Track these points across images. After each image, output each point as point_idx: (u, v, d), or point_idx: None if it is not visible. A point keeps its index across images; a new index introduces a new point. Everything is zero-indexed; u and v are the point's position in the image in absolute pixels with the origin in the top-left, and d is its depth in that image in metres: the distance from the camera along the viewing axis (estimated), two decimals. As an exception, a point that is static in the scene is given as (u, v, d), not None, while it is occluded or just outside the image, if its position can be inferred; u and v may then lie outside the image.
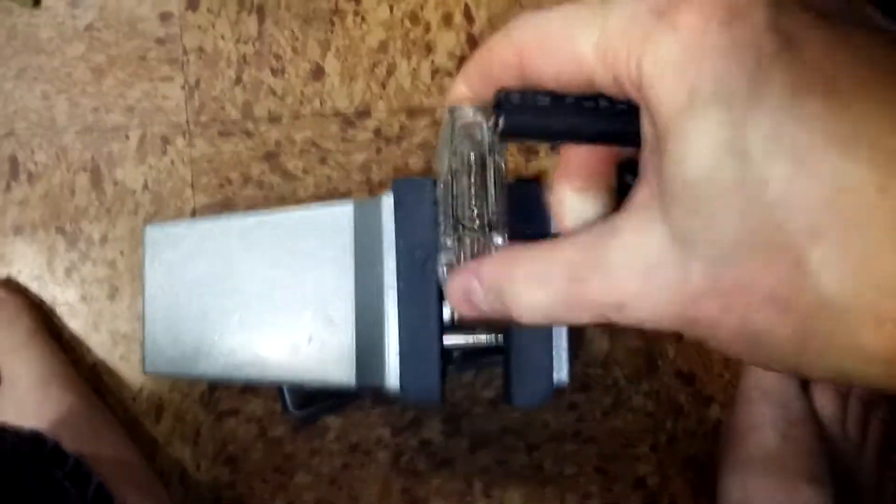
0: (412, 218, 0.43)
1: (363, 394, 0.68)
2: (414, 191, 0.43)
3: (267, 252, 0.46)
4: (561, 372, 0.42)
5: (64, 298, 0.69)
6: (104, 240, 0.69)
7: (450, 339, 0.45)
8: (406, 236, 0.43)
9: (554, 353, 0.42)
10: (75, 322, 0.68)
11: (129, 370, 0.69)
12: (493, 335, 0.46)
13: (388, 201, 0.43)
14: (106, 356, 0.69)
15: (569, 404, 0.70)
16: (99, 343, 0.69)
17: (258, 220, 0.47)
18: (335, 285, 0.46)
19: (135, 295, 0.69)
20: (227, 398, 0.68)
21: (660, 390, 0.70)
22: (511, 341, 0.44)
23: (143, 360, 0.48)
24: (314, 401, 0.66)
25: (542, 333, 0.42)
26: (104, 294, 0.69)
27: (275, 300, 0.46)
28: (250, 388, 0.69)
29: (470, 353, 0.58)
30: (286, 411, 0.65)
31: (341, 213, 0.45)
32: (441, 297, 0.43)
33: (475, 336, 0.46)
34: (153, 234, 0.48)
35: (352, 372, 0.45)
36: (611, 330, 0.70)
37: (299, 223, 0.46)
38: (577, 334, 0.70)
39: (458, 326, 0.47)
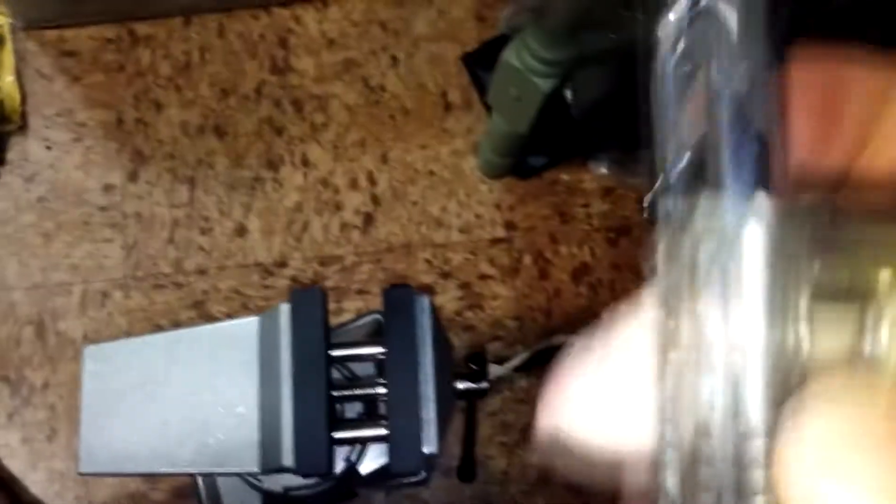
0: (306, 320, 0.52)
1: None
2: (307, 297, 0.52)
3: (186, 361, 0.55)
4: (430, 444, 0.50)
5: (5, 441, 0.74)
6: (46, 386, 0.76)
7: (339, 433, 0.53)
8: (301, 335, 0.52)
9: (423, 428, 0.50)
10: (14, 462, 0.74)
11: (63, 506, 0.74)
12: (377, 426, 0.54)
13: (284, 309, 0.53)
14: (42, 494, 0.74)
15: (477, 521, 0.76)
16: (36, 481, 0.74)
17: (179, 335, 0.56)
18: (243, 386, 0.54)
19: (71, 436, 0.75)
20: (156, 529, 0.73)
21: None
22: (389, 425, 0.52)
23: (77, 461, 0.54)
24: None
25: (411, 410, 0.51)
26: (43, 436, 0.75)
27: (192, 402, 0.54)
28: (178, 519, 0.74)
29: (380, 473, 0.66)
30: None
31: (248, 325, 0.54)
32: (332, 386, 0.52)
33: (361, 430, 0.54)
34: (90, 351, 0.56)
35: (256, 459, 0.53)
36: (508, 450, 0.78)
37: (213, 335, 0.55)
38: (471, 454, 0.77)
39: (346, 421, 0.55)
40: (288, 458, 0.50)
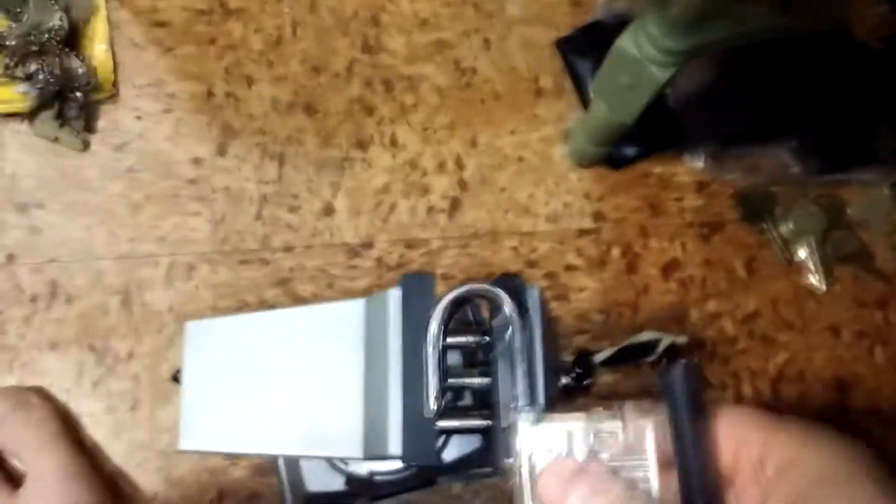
0: (416, 307, 0.51)
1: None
2: (418, 283, 0.51)
3: (289, 341, 0.54)
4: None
5: (89, 409, 0.75)
6: (130, 356, 0.76)
7: (443, 423, 0.52)
8: (410, 322, 0.51)
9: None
10: (98, 431, 0.74)
11: (144, 477, 0.74)
12: (481, 416, 0.53)
13: (395, 294, 0.51)
14: (124, 464, 0.74)
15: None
16: (119, 451, 0.74)
17: (281, 315, 0.55)
18: (348, 370, 0.53)
19: (154, 407, 0.75)
20: (234, 505, 0.73)
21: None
22: (494, 418, 0.51)
23: (179, 439, 0.54)
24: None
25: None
26: (126, 406, 0.75)
27: (295, 384, 0.53)
28: (256, 496, 0.74)
29: (460, 463, 0.65)
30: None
31: (354, 307, 0.53)
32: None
33: (466, 420, 0.53)
34: (192, 328, 0.55)
35: (360, 446, 0.52)
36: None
37: (318, 316, 0.54)
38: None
39: (450, 409, 0.54)
40: (395, 447, 0.49)
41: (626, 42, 0.60)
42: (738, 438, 0.43)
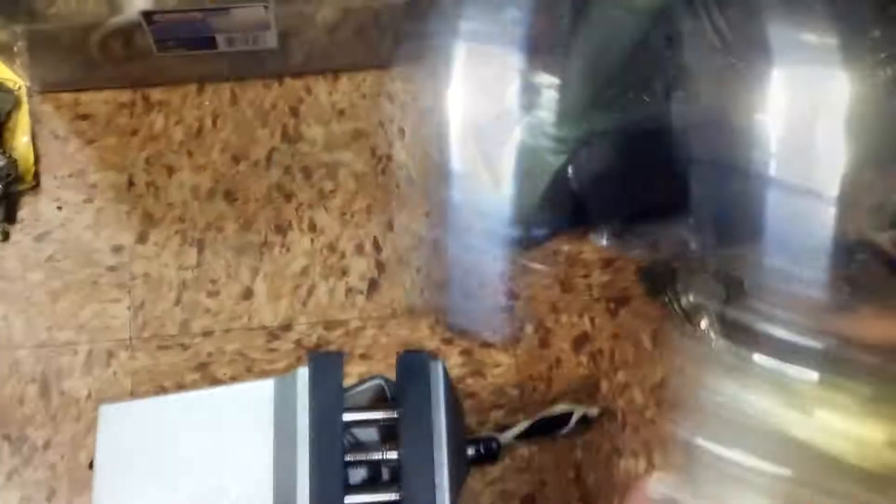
0: (324, 385, 0.53)
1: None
2: (326, 362, 0.53)
3: (201, 423, 0.55)
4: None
5: (4, 501, 0.74)
6: (47, 445, 0.75)
7: (351, 498, 0.54)
8: (318, 401, 0.52)
9: (437, 494, 0.51)
10: (12, 523, 0.73)
11: (60, 569, 0.73)
12: (391, 492, 0.54)
13: (303, 373, 0.53)
14: (39, 556, 0.73)
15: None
16: (33, 543, 0.73)
17: (194, 397, 0.56)
18: (258, 449, 0.54)
19: (71, 496, 0.75)
20: None
21: (556, 570, 0.76)
22: (403, 491, 0.53)
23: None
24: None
25: (426, 476, 0.51)
26: (42, 496, 0.74)
27: (207, 464, 0.54)
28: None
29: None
30: None
31: (263, 387, 0.55)
32: (344, 451, 0.52)
33: (376, 495, 0.55)
34: (106, 411, 0.56)
35: (270, 525, 0.53)
36: (510, 517, 0.78)
37: (229, 397, 0.55)
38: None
39: (358, 486, 0.55)
40: (303, 527, 0.51)
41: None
42: None
